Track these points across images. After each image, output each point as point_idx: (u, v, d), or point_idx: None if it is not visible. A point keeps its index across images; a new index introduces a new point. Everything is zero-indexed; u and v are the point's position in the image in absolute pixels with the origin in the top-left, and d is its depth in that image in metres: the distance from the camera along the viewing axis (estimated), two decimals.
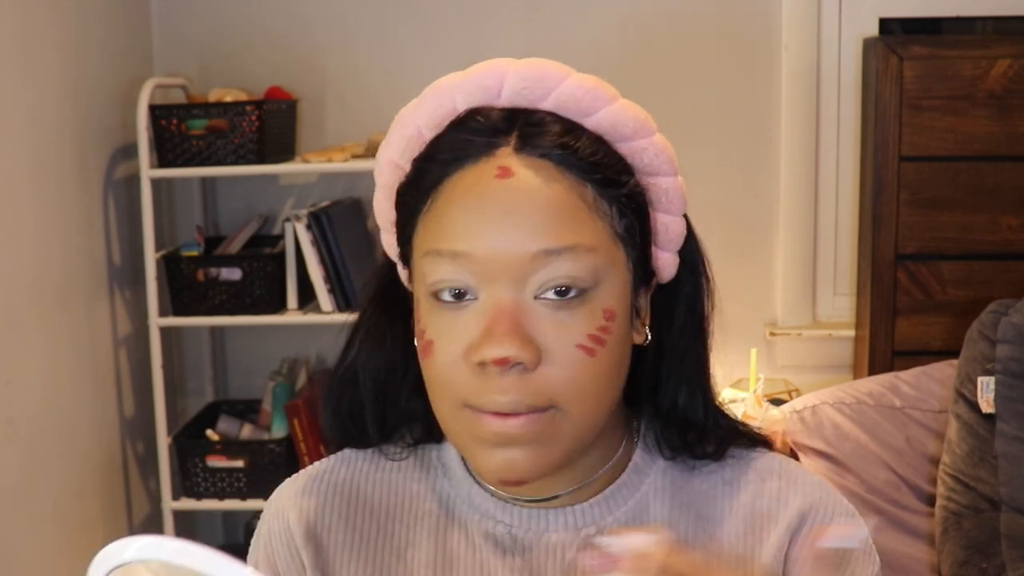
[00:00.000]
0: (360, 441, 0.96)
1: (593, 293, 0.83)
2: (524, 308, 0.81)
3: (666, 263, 0.91)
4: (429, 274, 0.84)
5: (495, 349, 0.80)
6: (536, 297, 0.82)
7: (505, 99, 0.86)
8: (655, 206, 0.89)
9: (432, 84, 0.88)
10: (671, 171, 0.89)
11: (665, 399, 0.93)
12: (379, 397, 0.94)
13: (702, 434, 0.93)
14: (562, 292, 0.82)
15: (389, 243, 0.93)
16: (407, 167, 0.88)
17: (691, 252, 0.93)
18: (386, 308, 0.94)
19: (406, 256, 0.90)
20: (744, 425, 0.96)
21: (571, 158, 0.83)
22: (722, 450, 0.93)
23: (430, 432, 0.95)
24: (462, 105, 0.86)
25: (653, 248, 0.89)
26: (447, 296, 0.83)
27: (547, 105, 0.85)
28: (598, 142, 0.85)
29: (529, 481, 0.84)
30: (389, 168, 0.90)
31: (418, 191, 0.86)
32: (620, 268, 0.85)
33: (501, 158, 0.83)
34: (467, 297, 0.82)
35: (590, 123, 0.86)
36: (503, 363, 0.80)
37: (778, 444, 2.00)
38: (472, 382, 0.82)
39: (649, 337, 0.90)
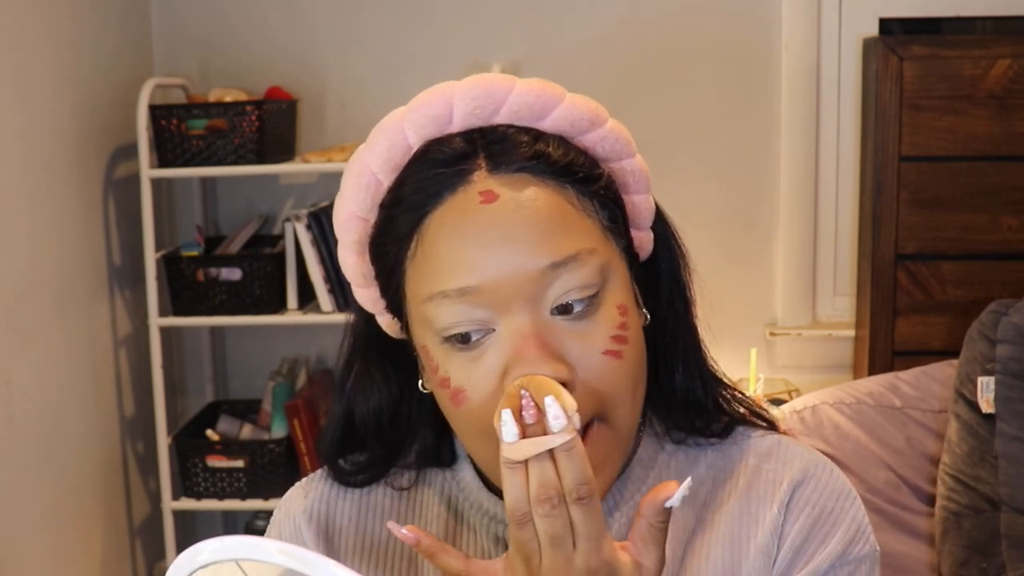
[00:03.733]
0: (366, 483, 0.95)
1: (604, 293, 0.82)
2: (544, 326, 0.81)
3: (643, 241, 0.91)
4: (437, 319, 0.81)
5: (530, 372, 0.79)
6: (552, 313, 0.81)
7: (458, 123, 0.84)
8: (625, 189, 0.88)
9: (376, 126, 0.85)
10: (631, 152, 0.88)
11: (666, 379, 0.92)
12: (385, 444, 0.93)
13: (708, 416, 0.92)
14: (573, 307, 0.81)
15: (367, 297, 0.90)
16: (372, 217, 0.86)
17: (661, 225, 0.93)
18: (374, 359, 0.92)
19: (395, 305, 0.87)
20: (747, 402, 0.96)
21: (545, 165, 0.83)
22: (728, 430, 0.93)
23: (437, 458, 0.95)
24: (415, 140, 0.84)
25: (631, 230, 0.89)
26: (461, 339, 0.81)
27: (501, 118, 0.84)
28: (562, 142, 0.85)
29: None
30: (352, 223, 0.87)
31: (396, 238, 0.84)
32: (617, 260, 0.85)
33: (479, 183, 0.82)
34: (481, 334, 0.81)
35: (547, 125, 0.85)
36: None
37: None
38: None
39: (648, 317, 0.89)
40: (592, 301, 0.81)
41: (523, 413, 0.73)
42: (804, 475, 0.90)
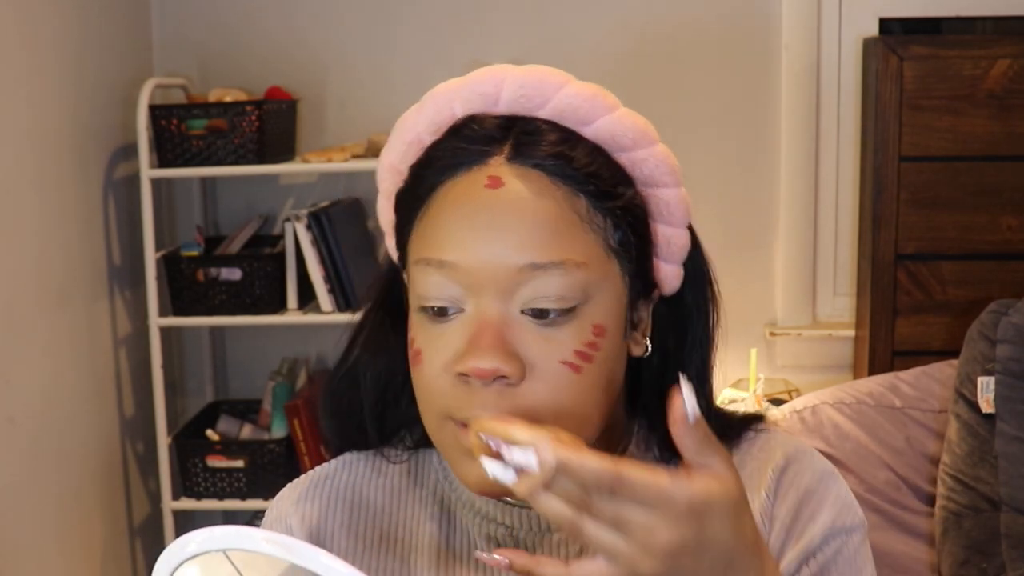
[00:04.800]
0: (359, 443, 0.96)
1: (582, 309, 0.82)
2: (510, 321, 0.81)
3: (669, 275, 0.90)
4: (418, 283, 0.84)
5: (478, 361, 0.79)
6: (524, 312, 0.81)
7: (503, 106, 0.85)
8: (655, 217, 0.88)
9: (431, 90, 0.88)
10: (673, 182, 0.88)
11: (659, 414, 0.92)
12: (379, 399, 0.94)
13: None
14: (546, 313, 0.81)
15: (391, 246, 0.93)
16: (406, 172, 0.88)
17: (696, 265, 0.92)
18: (388, 311, 0.94)
19: (403, 260, 0.90)
20: (734, 419, 0.95)
21: (565, 169, 0.83)
22: None
23: (428, 438, 0.95)
24: (460, 111, 0.86)
25: (655, 260, 0.88)
26: (434, 308, 0.83)
27: (545, 113, 0.85)
28: (595, 152, 0.84)
29: (507, 496, 0.85)
30: (390, 173, 0.90)
31: (414, 197, 0.86)
32: (613, 282, 0.84)
33: (493, 167, 0.83)
34: (453, 310, 0.82)
35: (589, 132, 0.85)
36: (485, 375, 0.79)
37: None
38: (455, 394, 0.81)
39: (649, 349, 0.89)
40: (567, 313, 0.81)
41: (502, 454, 0.71)
42: (786, 460, 0.91)
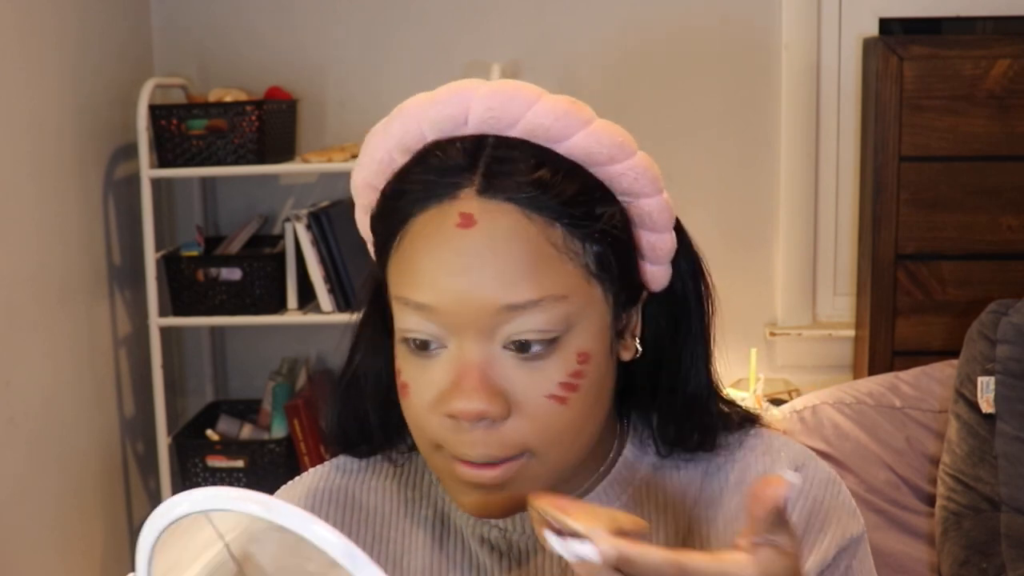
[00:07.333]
0: (363, 449, 0.96)
1: (565, 338, 0.80)
2: (492, 359, 0.79)
3: (656, 275, 0.88)
4: (399, 320, 0.82)
5: (463, 403, 0.78)
6: (507, 347, 0.79)
7: (472, 127, 0.82)
8: (639, 224, 0.85)
9: (400, 105, 0.84)
10: (654, 191, 0.84)
11: (663, 404, 0.91)
12: (382, 403, 0.93)
13: (696, 431, 0.91)
14: (528, 346, 0.79)
15: (373, 255, 0.92)
16: (382, 186, 0.87)
17: (687, 260, 0.90)
18: (381, 313, 0.93)
19: (384, 276, 0.88)
20: (735, 410, 0.95)
21: (539, 200, 0.79)
22: (712, 442, 0.92)
23: None
24: (430, 133, 0.83)
25: (640, 262, 0.87)
26: (416, 342, 0.81)
27: (516, 132, 0.81)
28: (571, 173, 0.81)
29: (505, 517, 0.85)
30: (366, 190, 0.87)
31: (386, 228, 0.84)
32: (596, 305, 0.82)
33: (463, 202, 0.79)
34: (435, 345, 0.80)
35: (563, 148, 0.81)
36: (471, 418, 0.78)
37: None
38: (444, 430, 0.80)
39: (640, 350, 0.88)
40: (550, 344, 0.79)
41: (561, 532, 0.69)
42: (794, 467, 0.91)
